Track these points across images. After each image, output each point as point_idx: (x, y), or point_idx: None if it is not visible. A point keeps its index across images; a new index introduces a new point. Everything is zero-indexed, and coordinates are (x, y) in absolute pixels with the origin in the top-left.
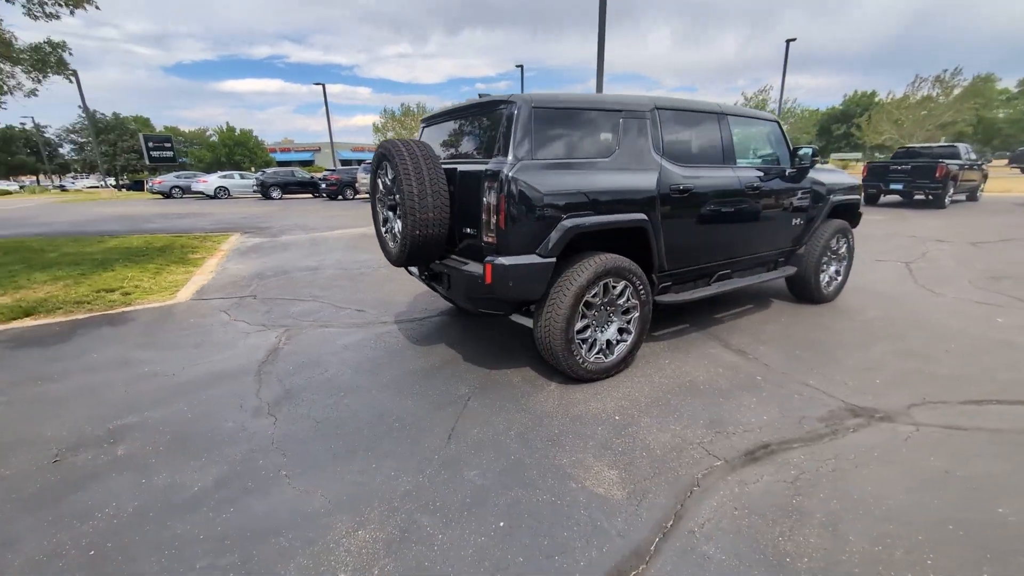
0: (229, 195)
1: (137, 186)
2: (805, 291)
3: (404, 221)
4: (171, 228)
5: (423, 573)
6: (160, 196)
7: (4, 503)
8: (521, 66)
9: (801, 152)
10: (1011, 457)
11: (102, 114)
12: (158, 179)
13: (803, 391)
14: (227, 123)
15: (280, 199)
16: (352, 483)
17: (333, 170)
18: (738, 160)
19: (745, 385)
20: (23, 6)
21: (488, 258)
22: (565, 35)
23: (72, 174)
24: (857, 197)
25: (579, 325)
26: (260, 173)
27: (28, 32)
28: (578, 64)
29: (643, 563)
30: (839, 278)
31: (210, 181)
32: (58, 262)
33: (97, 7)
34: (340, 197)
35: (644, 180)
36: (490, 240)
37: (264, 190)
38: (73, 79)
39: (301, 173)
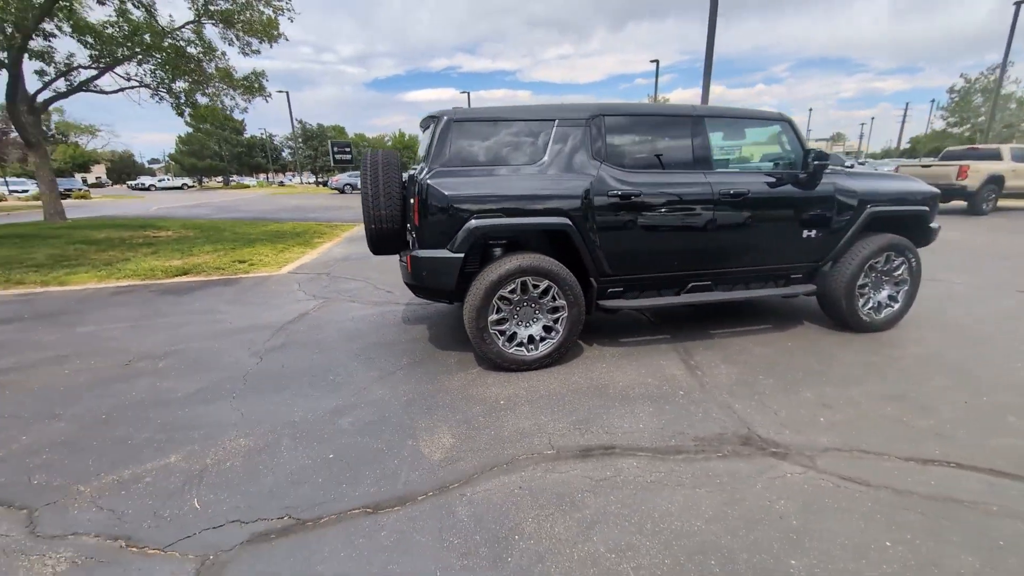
0: (355, 190)
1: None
2: (837, 315)
3: (364, 216)
4: (321, 217)
5: (259, 467)
6: (336, 192)
7: (88, 380)
8: (657, 61)
9: (810, 155)
10: (877, 519)
11: (310, 124)
12: (335, 177)
13: (714, 411)
14: (399, 130)
15: None
16: (266, 409)
17: None
18: (720, 165)
19: (657, 396)
20: (238, 48)
21: (411, 251)
22: (744, 19)
23: (290, 173)
24: (917, 209)
25: (495, 317)
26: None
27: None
28: (759, 49)
29: (400, 505)
30: (895, 304)
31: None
32: (226, 239)
33: (286, 38)
34: None
35: (571, 186)
36: (413, 235)
37: None
38: (270, 99)
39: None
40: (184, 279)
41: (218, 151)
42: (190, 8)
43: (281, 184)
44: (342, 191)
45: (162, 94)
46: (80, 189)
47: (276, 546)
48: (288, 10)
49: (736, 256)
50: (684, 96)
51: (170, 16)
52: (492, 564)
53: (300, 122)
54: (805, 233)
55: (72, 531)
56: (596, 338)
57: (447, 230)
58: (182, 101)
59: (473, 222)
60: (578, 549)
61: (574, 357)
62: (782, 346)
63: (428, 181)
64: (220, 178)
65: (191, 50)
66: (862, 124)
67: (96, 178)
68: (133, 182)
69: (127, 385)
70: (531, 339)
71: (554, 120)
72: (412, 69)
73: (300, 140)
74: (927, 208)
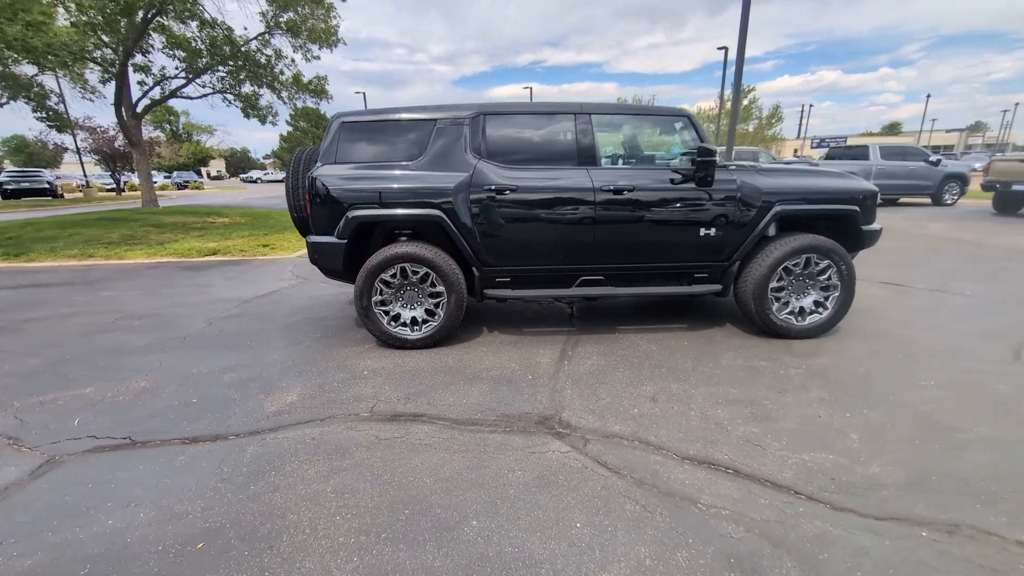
0: None
1: None
2: (749, 318)
3: (287, 204)
4: None
5: (138, 402)
6: None
7: (78, 331)
8: (726, 48)
9: (697, 152)
10: (592, 502)
11: None
12: None
13: (541, 395)
14: None
15: None
16: (179, 362)
17: None
18: (612, 161)
19: (503, 379)
20: (303, 55)
21: (308, 236)
22: None
23: None
24: (840, 209)
25: (378, 298)
26: None
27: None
28: (884, 27)
29: (211, 441)
30: (822, 311)
31: None
32: (267, 226)
33: (344, 43)
34: None
35: (445, 180)
36: (311, 223)
37: None
38: (331, 100)
39: None
40: (210, 259)
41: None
42: (261, 21)
43: None
44: None
45: (229, 99)
46: (195, 181)
47: (102, 456)
48: (336, 15)
49: (627, 253)
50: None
51: (244, 28)
52: (239, 488)
53: None
54: (703, 231)
55: None
56: (502, 325)
57: (332, 219)
58: (251, 105)
59: (352, 212)
60: (310, 487)
61: (464, 340)
62: (675, 345)
63: (314, 175)
64: None
65: (262, 59)
66: (1004, 111)
67: (216, 172)
68: (244, 175)
69: (101, 336)
70: (414, 320)
71: (435, 120)
72: (498, 65)
73: None
74: (856, 208)
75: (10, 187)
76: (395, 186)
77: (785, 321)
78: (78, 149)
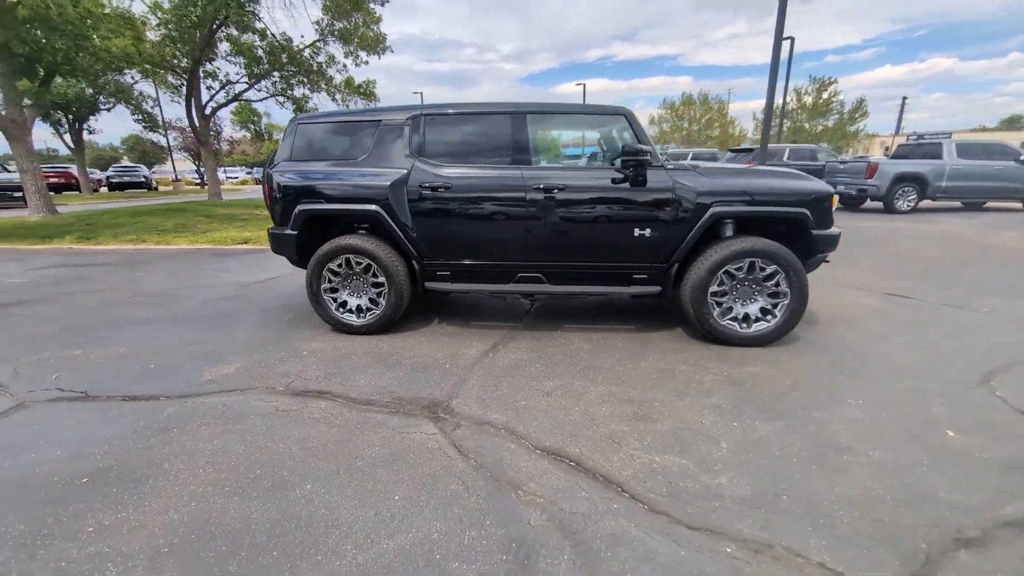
0: None
1: None
2: (689, 321)
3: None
4: None
5: (110, 366)
6: None
7: (97, 305)
8: (792, 39)
9: (627, 151)
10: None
11: None
12: None
13: (445, 382)
14: None
15: None
16: (159, 335)
17: None
18: (548, 160)
19: (421, 367)
20: (353, 61)
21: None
22: None
23: None
24: (784, 211)
25: (327, 286)
26: None
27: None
28: (1014, 6)
29: (145, 400)
30: (770, 319)
31: None
32: None
33: (392, 50)
34: None
35: (383, 178)
36: (271, 216)
37: None
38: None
39: None
40: (240, 247)
41: None
42: (316, 29)
43: None
44: None
45: (281, 101)
46: None
47: (58, 405)
48: (378, 27)
49: (562, 251)
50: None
51: (301, 36)
52: (141, 439)
53: None
54: (637, 232)
55: None
56: (454, 317)
57: (285, 212)
58: (300, 108)
59: (300, 206)
60: (195, 444)
61: (410, 328)
62: (608, 345)
63: (270, 172)
64: None
65: (315, 64)
66: None
67: None
68: None
69: (111, 310)
70: (359, 308)
71: (379, 121)
72: (566, 62)
73: None
74: (803, 211)
75: (115, 180)
76: (338, 182)
77: (728, 327)
78: (169, 147)
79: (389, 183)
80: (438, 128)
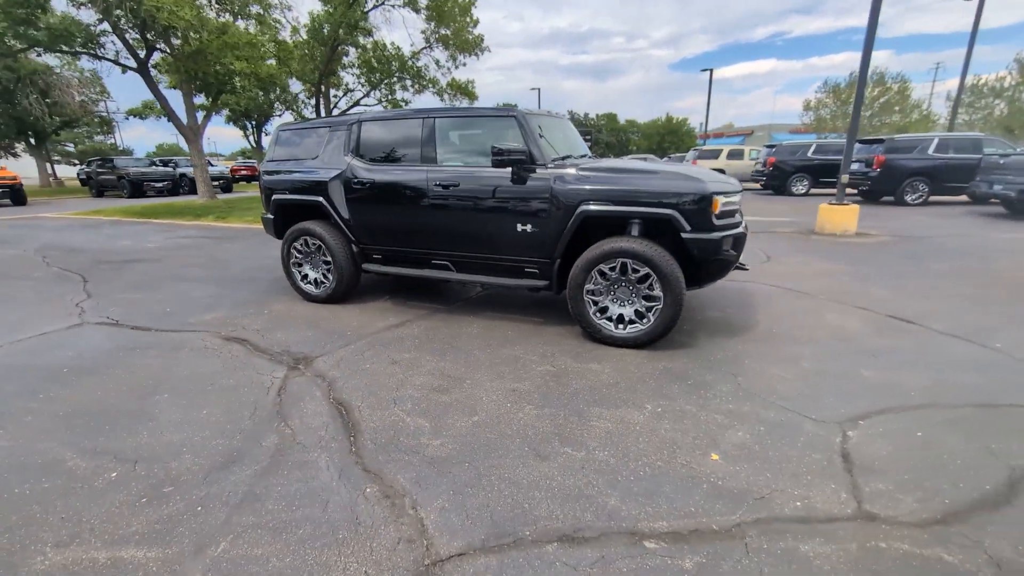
0: None
1: None
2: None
3: None
4: None
5: (134, 308)
6: None
7: (161, 264)
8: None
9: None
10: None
11: (577, 114)
12: None
13: (330, 341)
14: (667, 114)
15: None
16: (195, 289)
17: (670, 157)
18: (452, 159)
19: (329, 331)
20: (453, 63)
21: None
22: None
23: None
24: (650, 212)
25: (294, 261)
26: None
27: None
28: None
29: (137, 329)
30: (645, 322)
31: None
32: None
33: (489, 50)
34: None
35: (323, 174)
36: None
37: None
38: (476, 101)
39: (654, 160)
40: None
41: None
42: (423, 35)
43: None
44: None
45: (386, 105)
46: None
47: (96, 327)
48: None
49: (461, 243)
50: None
51: (411, 44)
52: (106, 353)
53: (571, 112)
54: (519, 227)
55: (70, 296)
56: (400, 296)
57: (267, 200)
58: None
59: (274, 196)
60: (139, 360)
61: (362, 302)
62: (499, 334)
63: (262, 169)
64: None
65: (421, 69)
66: None
67: None
68: None
69: (184, 270)
70: (317, 281)
71: (330, 126)
72: (727, 43)
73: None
74: (671, 213)
75: None
76: (295, 178)
77: (603, 326)
78: None
79: (329, 178)
80: (370, 132)
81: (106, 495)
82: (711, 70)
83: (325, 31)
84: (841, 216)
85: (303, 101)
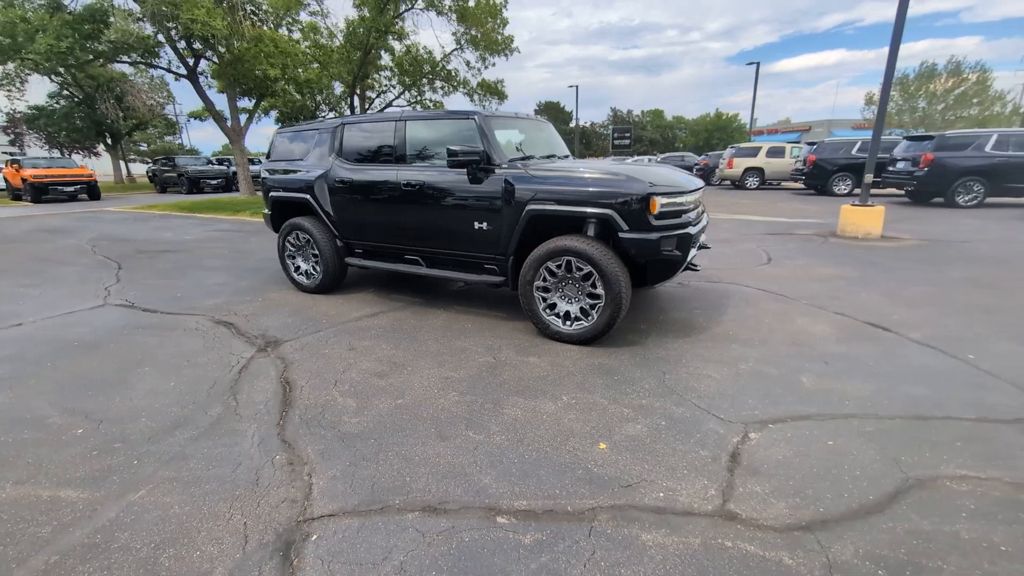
0: None
1: None
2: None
3: None
4: None
5: (146, 285)
6: None
7: (187, 252)
8: None
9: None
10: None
11: (621, 110)
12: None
13: (304, 326)
14: (716, 109)
15: None
16: (209, 277)
17: (707, 155)
18: (419, 159)
19: (307, 319)
20: (483, 64)
21: None
22: None
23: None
24: (591, 211)
25: (289, 253)
26: (648, 158)
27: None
28: None
29: (135, 312)
30: (589, 320)
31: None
32: None
33: (518, 51)
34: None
35: (309, 173)
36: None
37: None
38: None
39: (691, 159)
40: None
41: None
42: (453, 37)
43: None
44: None
45: (413, 104)
46: None
47: (114, 308)
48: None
49: (428, 239)
50: None
51: (442, 47)
52: (124, 331)
53: (613, 110)
54: (476, 224)
55: (101, 279)
56: (384, 289)
57: (265, 197)
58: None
59: (271, 194)
60: (138, 338)
61: (345, 293)
62: (459, 324)
63: (263, 169)
64: None
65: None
66: None
67: None
68: None
69: (207, 260)
70: (308, 273)
71: (319, 130)
72: (790, 34)
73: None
74: (609, 212)
75: None
76: (287, 177)
77: (552, 322)
78: None
79: (315, 178)
80: (351, 134)
81: (68, 447)
82: (757, 64)
83: (359, 35)
84: (864, 218)
85: (347, 103)
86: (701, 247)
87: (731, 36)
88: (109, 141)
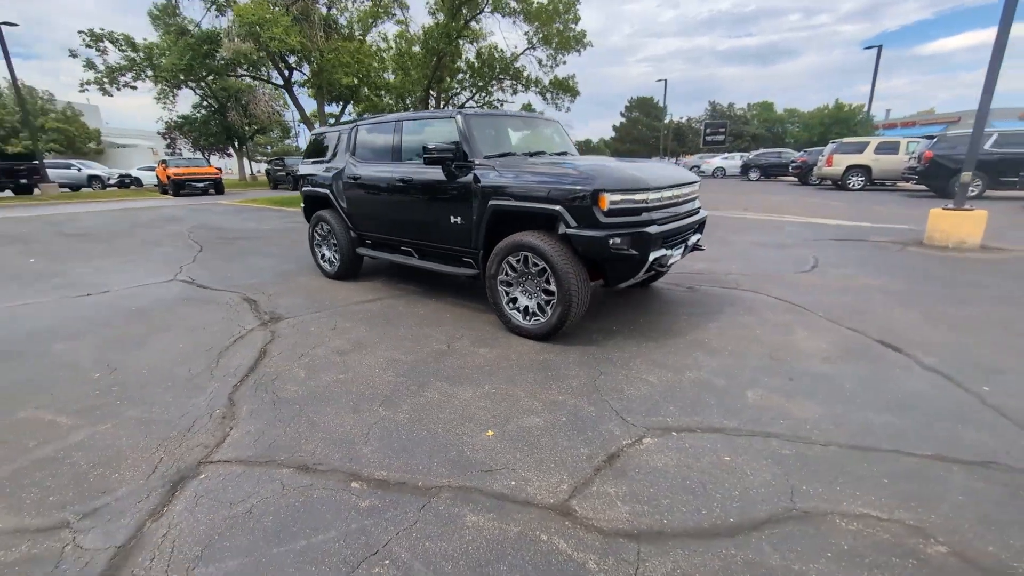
0: (725, 175)
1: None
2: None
3: None
4: None
5: (172, 258)
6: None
7: (223, 233)
8: None
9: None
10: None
11: (720, 104)
12: (685, 159)
13: (303, 305)
14: (836, 99)
15: (757, 180)
16: (259, 260)
17: (806, 151)
18: (410, 157)
19: (313, 300)
20: (553, 62)
21: None
22: None
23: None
24: (537, 207)
25: (317, 240)
26: (741, 155)
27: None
28: None
29: (150, 290)
30: (543, 316)
31: (713, 162)
32: None
33: (591, 44)
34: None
35: (330, 171)
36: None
37: (744, 171)
38: (578, 96)
39: (788, 155)
40: None
41: (637, 136)
42: (524, 36)
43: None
44: (712, 175)
45: (482, 106)
46: None
47: (176, 283)
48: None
49: (417, 232)
50: None
51: (513, 47)
52: (171, 303)
53: (711, 104)
54: (452, 219)
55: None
56: (394, 279)
57: (299, 191)
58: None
59: (303, 189)
60: (179, 309)
61: (361, 281)
62: (438, 315)
63: (299, 166)
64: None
65: (522, 70)
66: None
67: None
68: None
69: (266, 247)
70: (330, 261)
71: (339, 132)
72: (948, 8)
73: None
74: (557, 208)
75: None
76: (313, 174)
77: (513, 316)
78: None
79: (333, 174)
80: (363, 134)
81: (81, 386)
82: (879, 47)
83: (433, 41)
84: (957, 224)
85: (423, 106)
86: (695, 248)
87: (870, 15)
88: (236, 144)
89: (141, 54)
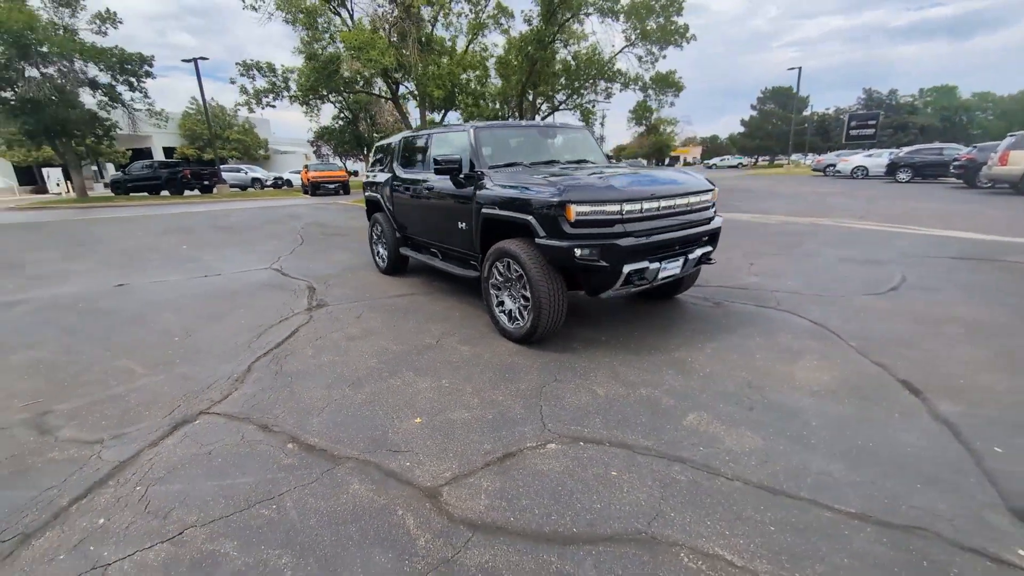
0: (867, 175)
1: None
2: None
3: None
4: None
5: (197, 247)
6: (820, 174)
7: (247, 219)
8: None
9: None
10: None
11: (878, 92)
12: (820, 157)
13: (345, 296)
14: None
15: (908, 182)
16: (244, 250)
17: (976, 147)
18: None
19: (359, 291)
20: (652, 58)
21: None
22: None
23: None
24: (514, 216)
25: (374, 237)
26: (890, 152)
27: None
28: None
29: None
30: (521, 321)
31: (852, 160)
32: None
33: (695, 38)
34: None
35: (383, 177)
36: None
37: (891, 170)
38: (682, 91)
39: (951, 152)
40: None
41: (770, 131)
42: (623, 34)
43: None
44: (824, 172)
45: (574, 108)
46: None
47: (270, 272)
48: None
49: (439, 235)
50: None
51: (612, 46)
52: (247, 289)
53: (866, 91)
54: (459, 224)
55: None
56: (432, 278)
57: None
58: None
59: (365, 193)
60: (254, 293)
61: (407, 276)
62: (445, 312)
63: (366, 172)
64: (767, 157)
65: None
66: None
67: (692, 159)
68: (708, 162)
69: (345, 238)
70: (383, 257)
71: (391, 145)
72: None
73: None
74: (528, 218)
75: None
76: (370, 180)
77: (500, 319)
78: None
79: (383, 180)
80: (406, 145)
81: (161, 348)
82: None
83: (526, 46)
84: None
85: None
86: (703, 261)
87: None
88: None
89: (280, 78)
